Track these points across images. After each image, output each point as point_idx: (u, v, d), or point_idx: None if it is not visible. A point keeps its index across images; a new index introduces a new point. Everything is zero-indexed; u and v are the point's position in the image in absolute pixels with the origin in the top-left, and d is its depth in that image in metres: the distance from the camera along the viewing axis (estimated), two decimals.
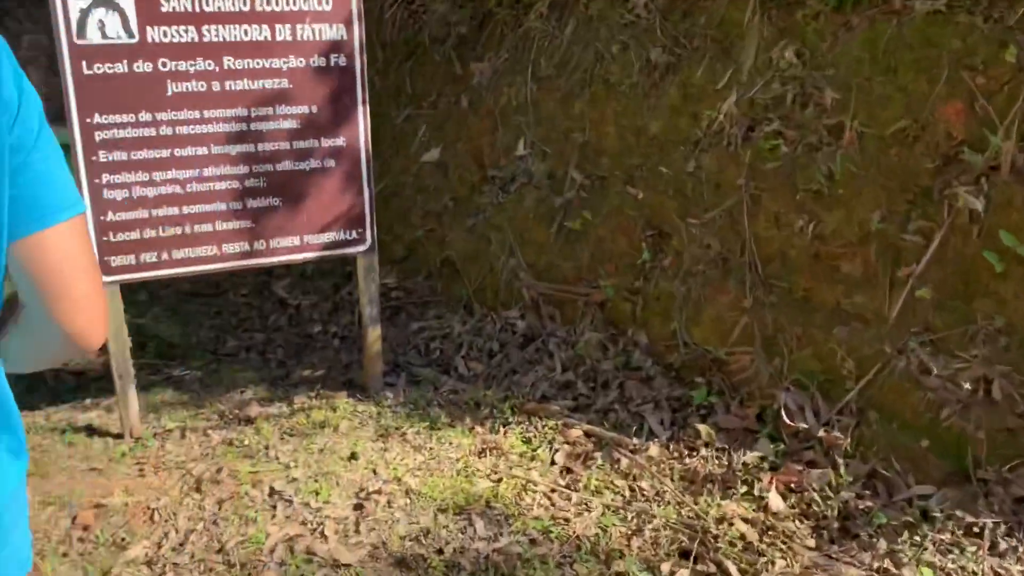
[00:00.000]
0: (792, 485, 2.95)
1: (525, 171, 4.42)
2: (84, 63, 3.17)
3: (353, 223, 3.80)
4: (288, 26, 3.48)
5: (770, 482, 2.95)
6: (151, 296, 5.41)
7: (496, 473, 3.16)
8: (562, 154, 4.31)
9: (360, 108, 3.70)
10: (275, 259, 3.72)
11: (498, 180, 4.55)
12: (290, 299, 5.23)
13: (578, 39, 4.44)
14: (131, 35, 3.23)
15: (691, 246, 3.66)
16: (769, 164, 3.49)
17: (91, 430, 3.61)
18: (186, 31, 3.32)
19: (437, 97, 5.14)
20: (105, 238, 3.36)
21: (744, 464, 3.05)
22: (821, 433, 3.04)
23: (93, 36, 3.17)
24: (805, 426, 3.10)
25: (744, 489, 2.95)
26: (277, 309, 5.15)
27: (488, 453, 3.30)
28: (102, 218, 3.34)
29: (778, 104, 3.56)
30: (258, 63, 3.47)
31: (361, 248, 3.85)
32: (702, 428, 3.25)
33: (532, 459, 3.26)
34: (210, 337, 4.84)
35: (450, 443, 3.40)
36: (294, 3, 3.47)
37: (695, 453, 3.19)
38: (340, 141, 3.69)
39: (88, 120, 3.23)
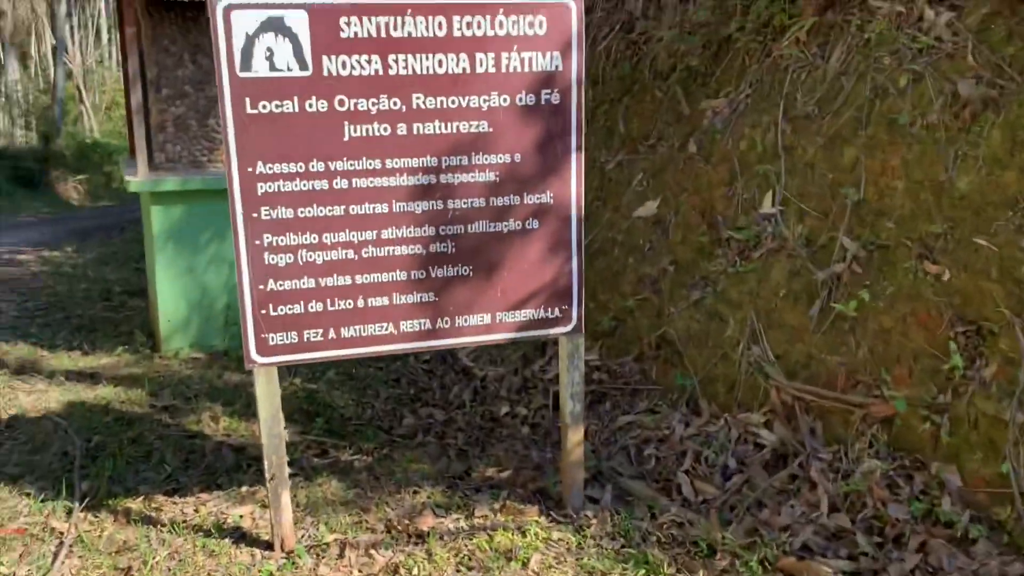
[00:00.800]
0: None
1: (774, 233, 3.49)
2: (247, 100, 2.61)
3: (556, 298, 3.04)
4: (491, 55, 2.79)
5: None
6: None
7: None
8: (827, 213, 3.34)
9: (573, 157, 2.94)
10: (460, 340, 3.01)
11: (735, 243, 3.64)
12: (475, 368, 4.55)
13: (849, 69, 3.47)
14: (304, 66, 2.64)
15: None
16: None
17: (239, 534, 3.03)
18: (369, 62, 2.70)
19: (657, 140, 4.32)
20: (263, 311, 2.78)
21: None
22: None
23: (259, 67, 2.60)
24: None
25: None
26: (460, 380, 4.48)
27: None
28: (261, 287, 2.76)
29: None
30: (453, 101, 2.80)
31: (564, 329, 3.07)
32: None
33: None
34: (386, 410, 4.23)
35: None
36: (500, 26, 2.77)
37: None
38: (546, 197, 2.95)
39: (249, 169, 2.67)
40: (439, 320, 2.95)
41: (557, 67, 2.86)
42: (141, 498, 3.30)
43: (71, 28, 25.15)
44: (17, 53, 23.36)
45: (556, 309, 3.04)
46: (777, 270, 3.43)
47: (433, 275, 2.91)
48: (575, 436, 3.14)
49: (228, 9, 2.51)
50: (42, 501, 3.22)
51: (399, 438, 3.91)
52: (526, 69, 2.83)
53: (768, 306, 3.42)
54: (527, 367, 4.35)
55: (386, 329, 2.92)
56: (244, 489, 3.40)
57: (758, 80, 3.87)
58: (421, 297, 2.92)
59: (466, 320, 2.97)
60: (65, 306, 6.53)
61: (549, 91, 2.87)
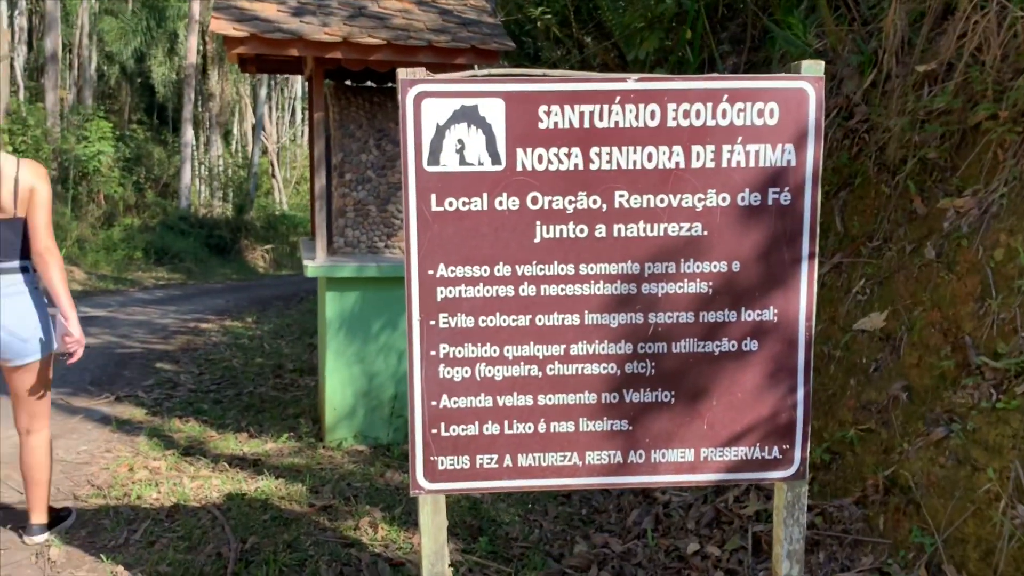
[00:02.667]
0: None
1: None
2: (433, 197, 2.34)
3: (776, 436, 2.53)
4: (711, 148, 2.39)
5: None
6: None
7: None
8: None
9: (804, 266, 2.46)
10: (656, 479, 2.55)
11: (990, 373, 2.99)
12: (658, 491, 4.03)
13: None
14: (496, 160, 2.34)
15: None
16: None
17: None
18: (568, 155, 2.36)
19: (883, 241, 3.73)
20: (434, 430, 2.45)
21: None
22: None
23: (448, 161, 2.32)
24: None
25: None
26: (640, 504, 3.98)
27: None
28: (433, 403, 2.43)
29: None
30: (662, 200, 2.41)
31: (783, 474, 2.55)
32: None
33: None
34: (555, 532, 3.78)
35: None
36: (723, 115, 2.38)
37: None
38: (769, 313, 2.48)
39: (430, 272, 2.38)
40: (632, 453, 2.52)
41: (789, 162, 2.41)
42: None
43: (269, 108, 27.21)
44: (221, 131, 25.46)
45: (775, 449, 2.53)
46: None
47: (627, 400, 2.49)
48: None
49: (420, 97, 2.26)
50: None
51: (570, 569, 3.44)
52: (751, 164, 2.41)
53: None
54: (720, 496, 3.79)
55: (569, 460, 2.51)
56: None
57: (1016, 178, 3.25)
58: (612, 425, 2.50)
59: (664, 455, 2.52)
60: (238, 381, 6.59)
61: (778, 189, 2.42)
